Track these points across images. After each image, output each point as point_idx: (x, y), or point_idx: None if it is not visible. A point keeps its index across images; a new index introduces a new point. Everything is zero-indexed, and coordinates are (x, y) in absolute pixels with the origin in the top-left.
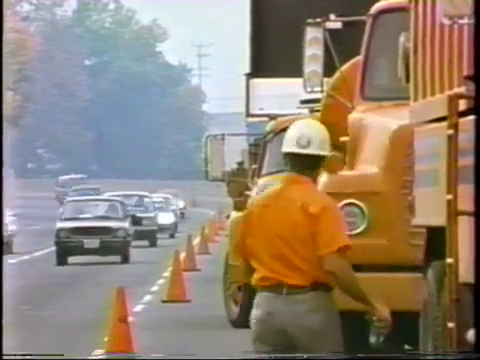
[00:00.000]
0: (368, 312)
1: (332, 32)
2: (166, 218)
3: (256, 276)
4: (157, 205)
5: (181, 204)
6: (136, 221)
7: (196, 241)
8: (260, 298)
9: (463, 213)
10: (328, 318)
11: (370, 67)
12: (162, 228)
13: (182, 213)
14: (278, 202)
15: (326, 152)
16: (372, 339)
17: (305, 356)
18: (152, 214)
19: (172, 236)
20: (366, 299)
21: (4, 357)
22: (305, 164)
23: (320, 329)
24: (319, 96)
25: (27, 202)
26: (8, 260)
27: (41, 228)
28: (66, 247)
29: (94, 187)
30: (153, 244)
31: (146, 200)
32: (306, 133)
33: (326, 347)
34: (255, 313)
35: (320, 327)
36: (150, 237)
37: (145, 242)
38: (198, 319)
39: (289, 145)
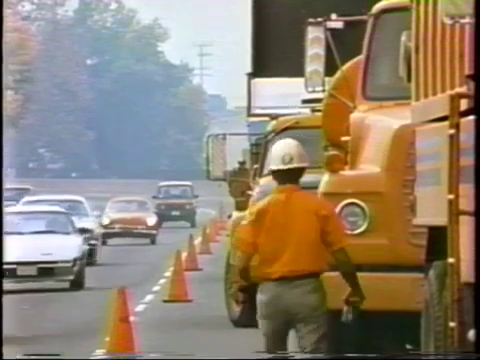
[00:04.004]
0: (349, 294)
1: (333, 32)
2: (64, 247)
3: (262, 268)
4: (42, 222)
5: (152, 220)
6: None
7: (197, 241)
8: (266, 285)
9: (464, 213)
10: (323, 297)
11: (371, 67)
12: (52, 269)
13: (151, 235)
14: (290, 207)
15: (306, 164)
16: (348, 316)
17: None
18: None
19: (77, 285)
20: (357, 283)
21: (4, 357)
22: (291, 176)
23: (318, 304)
24: (320, 96)
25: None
26: None
27: None
28: None
29: (24, 187)
30: None
31: None
32: (287, 152)
33: (320, 317)
34: (262, 297)
35: (318, 303)
36: None
37: None
38: (200, 319)
39: (276, 163)
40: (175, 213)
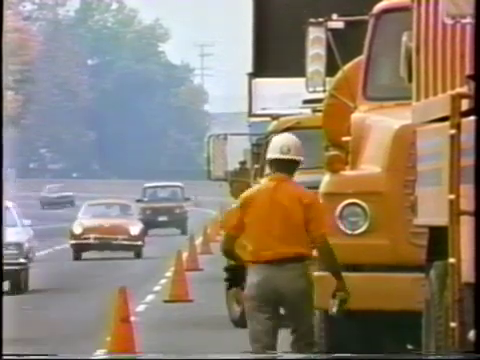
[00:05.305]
0: (336, 288)
1: (334, 32)
2: None
3: (251, 251)
4: None
5: (136, 229)
6: None
7: (198, 241)
8: (255, 268)
9: (465, 213)
10: (310, 282)
11: (372, 67)
12: None
13: (136, 246)
14: (276, 194)
15: (301, 158)
16: (334, 309)
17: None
18: None
19: None
20: (339, 273)
21: (4, 357)
22: (286, 167)
23: (306, 290)
24: (321, 96)
25: (25, 202)
26: None
27: (45, 228)
28: None
29: (68, 194)
30: None
31: None
32: (286, 143)
33: (308, 303)
34: (252, 279)
35: (306, 288)
36: None
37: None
38: (200, 319)
39: (274, 153)
40: (162, 219)
